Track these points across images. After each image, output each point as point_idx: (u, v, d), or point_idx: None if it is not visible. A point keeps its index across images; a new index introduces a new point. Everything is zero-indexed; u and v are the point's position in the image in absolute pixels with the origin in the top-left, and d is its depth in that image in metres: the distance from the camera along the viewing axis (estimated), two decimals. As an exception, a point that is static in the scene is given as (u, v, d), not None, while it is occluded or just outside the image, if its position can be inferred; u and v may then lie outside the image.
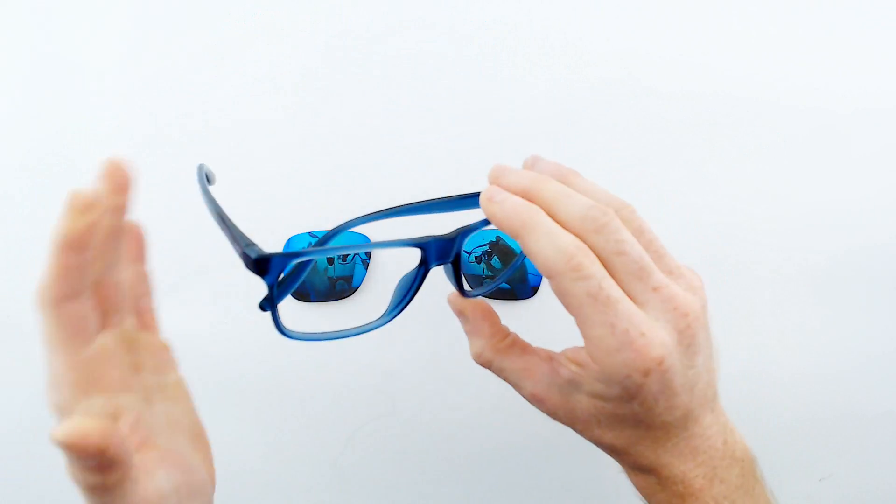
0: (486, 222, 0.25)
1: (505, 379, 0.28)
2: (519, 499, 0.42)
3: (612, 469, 0.42)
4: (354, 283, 0.40)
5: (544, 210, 0.24)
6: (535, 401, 0.27)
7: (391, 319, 0.28)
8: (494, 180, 0.26)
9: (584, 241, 0.23)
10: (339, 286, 0.40)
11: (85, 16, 0.39)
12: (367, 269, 0.40)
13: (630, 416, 0.24)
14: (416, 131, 0.39)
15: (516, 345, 0.28)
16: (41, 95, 0.40)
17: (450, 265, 0.27)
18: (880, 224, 0.40)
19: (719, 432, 0.26)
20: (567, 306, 0.23)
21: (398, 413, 0.42)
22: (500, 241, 0.40)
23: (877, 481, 0.42)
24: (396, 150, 0.40)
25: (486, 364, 0.28)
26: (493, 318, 0.29)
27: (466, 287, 0.28)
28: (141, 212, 0.40)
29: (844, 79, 0.39)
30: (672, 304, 0.23)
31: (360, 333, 0.27)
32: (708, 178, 0.40)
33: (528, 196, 0.25)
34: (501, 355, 0.28)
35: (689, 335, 0.23)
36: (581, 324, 0.23)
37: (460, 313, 0.29)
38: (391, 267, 0.40)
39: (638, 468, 0.26)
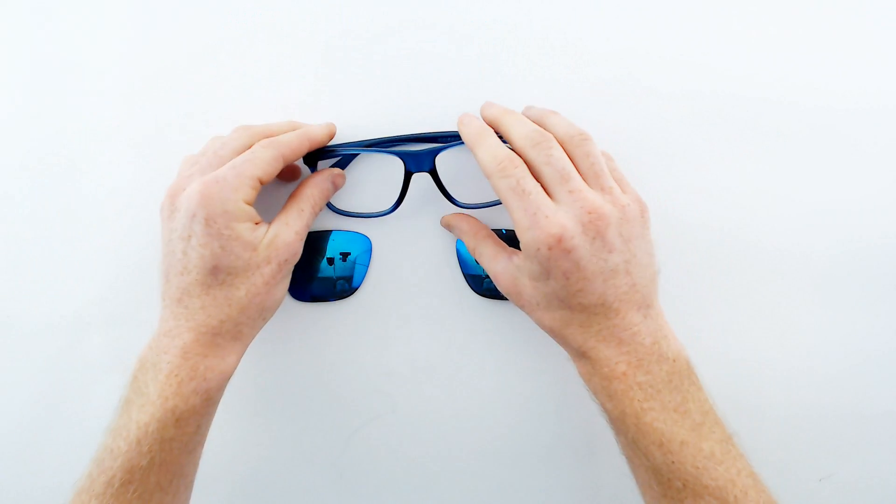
0: (457, 144, 0.35)
1: (482, 264, 0.36)
2: (519, 499, 0.42)
3: (612, 470, 0.42)
4: (354, 283, 0.40)
5: (500, 132, 0.33)
6: (496, 280, 0.34)
7: (390, 213, 0.38)
8: (479, 111, 0.36)
9: (523, 154, 0.31)
10: (340, 286, 0.40)
11: (85, 15, 0.40)
12: (367, 269, 0.40)
13: (554, 294, 0.31)
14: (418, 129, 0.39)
15: (490, 237, 0.36)
16: (41, 95, 0.40)
17: (428, 174, 0.36)
18: (881, 223, 0.40)
19: (648, 333, 0.31)
20: (502, 201, 0.31)
21: (398, 413, 0.42)
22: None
23: (877, 481, 0.42)
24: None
25: (472, 251, 0.37)
26: (474, 220, 0.38)
27: (454, 197, 0.37)
28: (141, 212, 0.40)
29: (845, 77, 0.39)
30: (580, 203, 0.30)
31: (371, 217, 0.39)
32: (707, 178, 0.40)
33: (492, 123, 0.34)
34: (482, 243, 0.36)
35: (594, 228, 0.29)
36: (510, 213, 0.30)
37: (447, 225, 0.39)
38: (391, 268, 0.41)
39: (575, 353, 0.32)
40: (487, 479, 0.42)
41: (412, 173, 0.36)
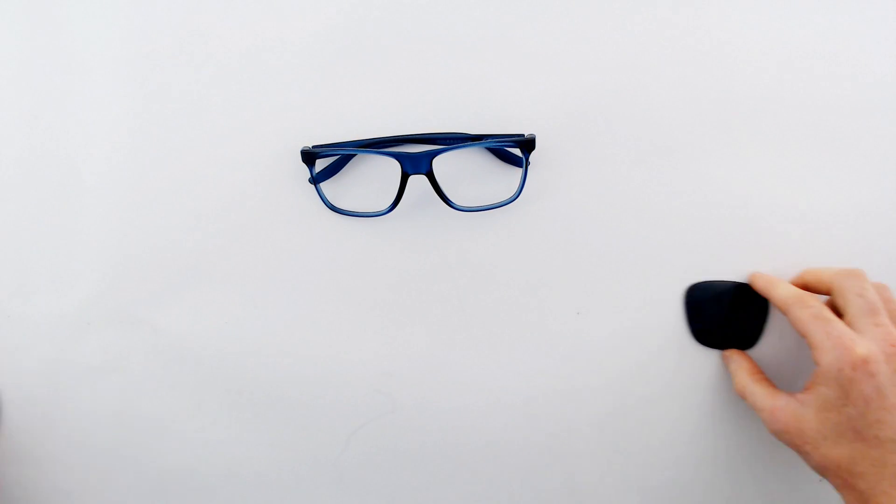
0: (455, 147, 0.36)
1: (752, 403, 0.36)
2: (519, 499, 0.42)
3: (612, 471, 0.42)
4: None
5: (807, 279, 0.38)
6: (773, 417, 0.34)
7: (386, 214, 0.38)
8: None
9: (835, 284, 0.35)
10: None
11: (85, 12, 0.40)
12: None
13: (848, 424, 0.30)
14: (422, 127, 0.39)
15: (766, 379, 0.37)
16: (40, 93, 0.40)
17: (425, 177, 0.36)
18: (881, 223, 0.40)
19: None
20: (799, 331, 0.33)
21: (398, 413, 0.42)
22: None
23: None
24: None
25: (742, 390, 0.37)
26: (751, 360, 0.39)
27: (451, 200, 0.37)
28: (143, 213, 0.40)
29: (847, 76, 0.39)
30: (885, 336, 0.31)
31: (367, 216, 0.39)
32: (708, 178, 0.40)
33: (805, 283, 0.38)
34: (758, 383, 0.36)
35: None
36: (809, 339, 0.32)
37: (726, 358, 0.40)
38: (386, 268, 0.40)
39: (859, 497, 0.30)
40: (487, 479, 0.42)
41: (409, 175, 0.36)
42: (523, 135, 0.38)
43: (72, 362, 0.41)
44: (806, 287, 0.37)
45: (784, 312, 0.35)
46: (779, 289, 0.36)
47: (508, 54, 0.39)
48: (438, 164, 0.36)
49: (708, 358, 0.40)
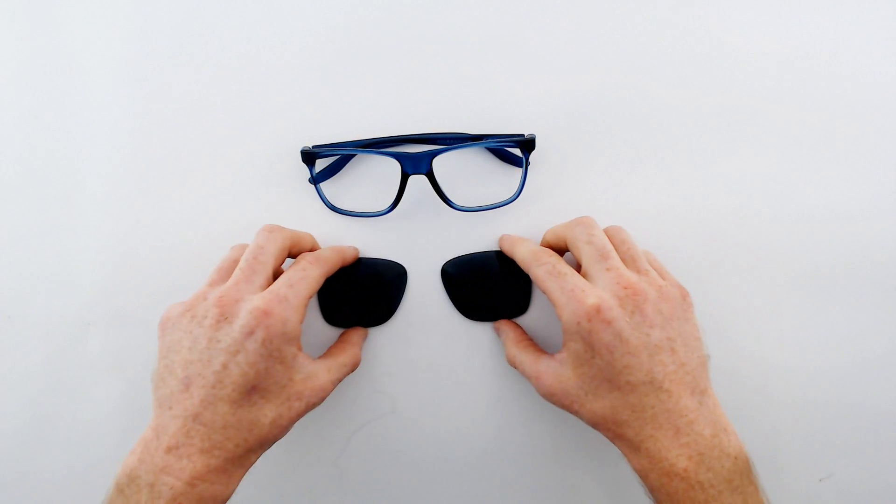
0: (456, 147, 0.36)
1: (522, 372, 0.35)
2: (519, 499, 0.42)
3: (612, 471, 0.42)
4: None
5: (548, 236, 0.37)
6: (539, 382, 0.33)
7: (386, 214, 0.38)
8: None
9: (566, 234, 0.34)
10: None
11: (85, 12, 0.40)
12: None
13: (601, 375, 0.30)
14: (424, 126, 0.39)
15: (533, 345, 0.37)
16: (41, 93, 0.40)
17: (425, 177, 0.36)
18: (882, 223, 0.40)
19: (707, 422, 0.29)
20: (541, 289, 0.33)
21: (398, 413, 0.42)
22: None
23: (877, 481, 0.42)
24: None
25: (512, 360, 0.37)
26: (520, 329, 0.39)
27: (451, 200, 0.37)
28: (143, 213, 0.40)
29: (848, 76, 0.39)
30: (616, 279, 0.31)
31: (367, 216, 0.39)
32: (708, 177, 0.40)
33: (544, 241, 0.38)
34: (523, 351, 0.36)
35: (631, 303, 0.30)
36: (549, 297, 0.32)
37: (497, 329, 0.40)
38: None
39: (629, 446, 0.30)
40: (487, 479, 0.42)
41: (409, 175, 0.36)
42: (523, 135, 0.38)
43: (72, 362, 0.41)
44: (549, 246, 0.36)
45: (527, 272, 0.34)
46: (520, 248, 0.35)
47: (508, 55, 0.39)
48: (438, 164, 0.36)
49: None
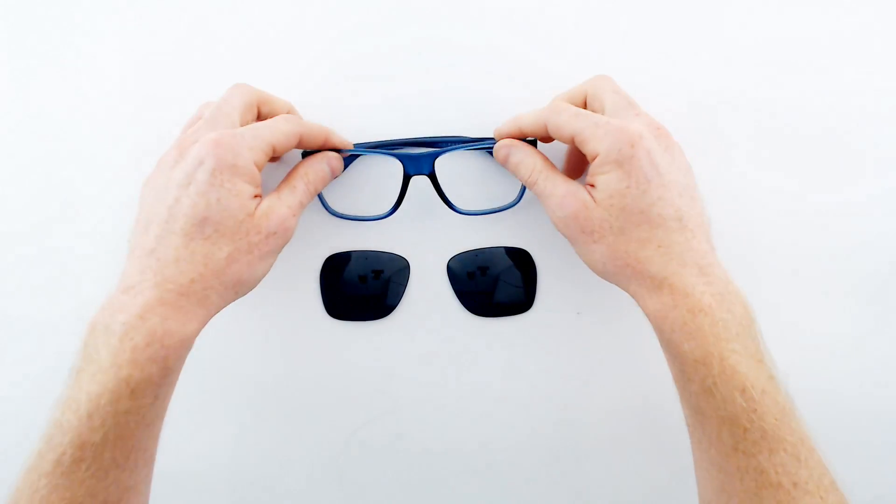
0: (457, 148, 0.36)
1: (541, 191, 0.33)
2: (519, 499, 0.43)
3: (611, 470, 0.42)
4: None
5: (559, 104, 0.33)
6: (560, 207, 0.31)
7: (387, 217, 0.37)
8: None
9: (590, 89, 0.33)
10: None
11: (86, 11, 0.39)
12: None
13: (634, 206, 0.29)
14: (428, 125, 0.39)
15: (554, 169, 0.34)
16: (40, 92, 0.40)
17: (427, 178, 0.36)
18: (883, 223, 0.40)
19: (721, 268, 0.30)
20: (565, 136, 0.31)
21: (398, 413, 0.42)
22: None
23: (877, 481, 0.42)
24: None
25: (530, 179, 0.34)
26: (538, 151, 0.35)
27: (453, 202, 0.37)
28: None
29: (848, 75, 0.39)
30: (648, 122, 0.31)
31: (368, 220, 0.38)
32: (710, 176, 0.40)
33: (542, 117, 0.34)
34: (547, 173, 0.33)
35: (664, 141, 0.31)
36: (578, 136, 0.30)
37: (505, 156, 0.35)
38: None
39: (651, 283, 0.30)
40: (487, 479, 0.42)
41: (411, 176, 0.35)
42: (525, 138, 0.37)
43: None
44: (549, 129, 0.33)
45: (546, 132, 0.32)
46: (527, 115, 0.34)
47: (510, 58, 0.39)
48: (441, 166, 0.36)
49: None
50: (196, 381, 0.42)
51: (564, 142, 0.32)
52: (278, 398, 0.42)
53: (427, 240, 0.40)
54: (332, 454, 0.42)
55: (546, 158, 0.34)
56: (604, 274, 0.32)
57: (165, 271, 0.28)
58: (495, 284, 0.39)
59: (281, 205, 0.31)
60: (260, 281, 0.32)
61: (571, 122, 0.30)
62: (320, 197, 0.38)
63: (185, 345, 0.29)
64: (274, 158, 0.35)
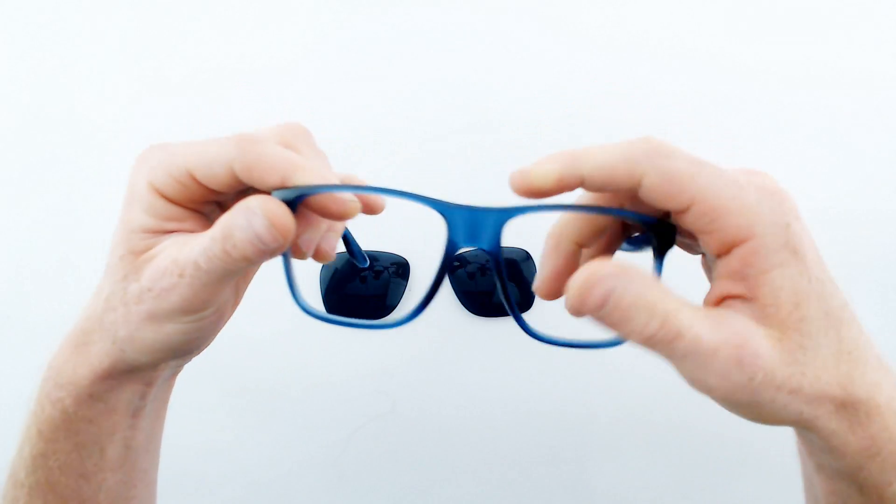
0: (535, 209, 0.21)
1: (686, 338, 0.18)
2: (518, 499, 0.43)
3: (612, 472, 0.42)
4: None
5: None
6: (750, 357, 0.18)
7: (403, 325, 0.23)
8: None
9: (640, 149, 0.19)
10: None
11: (87, 13, 0.39)
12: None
13: (816, 308, 0.18)
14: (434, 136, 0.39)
15: (670, 292, 0.19)
16: (41, 93, 0.40)
17: (487, 255, 0.20)
18: (882, 223, 0.40)
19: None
20: (691, 194, 0.19)
21: (398, 413, 0.42)
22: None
23: None
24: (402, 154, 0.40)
25: (662, 317, 0.19)
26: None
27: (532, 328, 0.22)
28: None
29: (849, 76, 0.39)
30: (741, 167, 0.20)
31: (374, 328, 0.23)
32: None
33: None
34: (674, 301, 0.19)
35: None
36: (707, 207, 0.18)
37: (609, 317, 0.19)
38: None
39: (856, 413, 0.18)
40: (487, 479, 0.42)
41: (458, 248, 0.20)
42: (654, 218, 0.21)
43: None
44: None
45: (622, 184, 0.19)
46: (591, 155, 0.20)
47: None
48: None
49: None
50: (196, 381, 0.42)
51: (655, 204, 0.19)
52: (278, 398, 0.42)
53: (427, 240, 0.40)
54: (332, 454, 0.42)
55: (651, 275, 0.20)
56: (798, 419, 0.19)
57: (88, 303, 0.23)
58: (495, 284, 0.40)
59: (172, 253, 0.21)
60: (162, 359, 0.23)
61: (695, 174, 0.18)
62: (289, 282, 0.23)
63: (80, 390, 0.23)
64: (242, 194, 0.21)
